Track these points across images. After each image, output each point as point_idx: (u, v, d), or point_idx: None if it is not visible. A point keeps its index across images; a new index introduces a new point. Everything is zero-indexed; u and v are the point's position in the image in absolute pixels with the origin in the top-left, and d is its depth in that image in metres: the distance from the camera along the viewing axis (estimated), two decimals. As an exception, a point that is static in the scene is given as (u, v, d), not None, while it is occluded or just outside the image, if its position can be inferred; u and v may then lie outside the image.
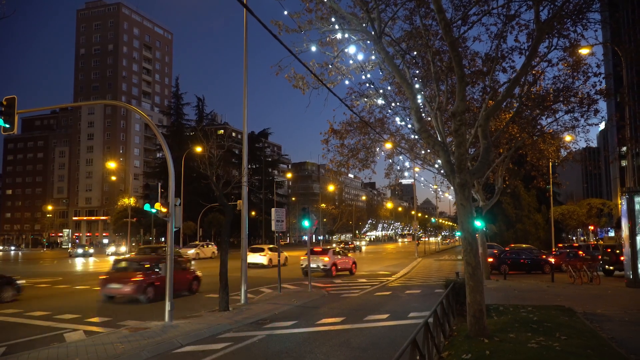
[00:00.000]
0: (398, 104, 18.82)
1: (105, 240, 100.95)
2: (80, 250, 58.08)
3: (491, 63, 13.81)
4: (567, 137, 23.23)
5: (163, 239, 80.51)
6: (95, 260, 49.33)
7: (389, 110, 19.48)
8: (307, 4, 12.03)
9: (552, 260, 29.42)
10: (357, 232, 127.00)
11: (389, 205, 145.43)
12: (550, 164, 29.98)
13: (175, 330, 11.47)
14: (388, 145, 22.31)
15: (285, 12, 11.89)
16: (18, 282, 18.27)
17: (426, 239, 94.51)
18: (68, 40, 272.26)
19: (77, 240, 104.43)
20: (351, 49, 13.27)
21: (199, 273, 20.51)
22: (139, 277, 17.03)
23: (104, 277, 17.89)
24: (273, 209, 18.80)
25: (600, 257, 28.96)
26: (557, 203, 53.69)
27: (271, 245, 39.00)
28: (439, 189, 54.20)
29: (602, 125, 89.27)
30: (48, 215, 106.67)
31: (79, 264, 43.60)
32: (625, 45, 15.72)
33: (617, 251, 26.52)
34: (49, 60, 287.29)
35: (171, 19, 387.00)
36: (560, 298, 16.70)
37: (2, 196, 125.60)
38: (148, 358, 9.52)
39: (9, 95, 13.30)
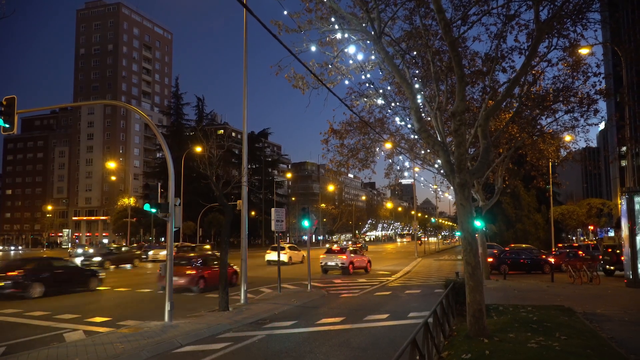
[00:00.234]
0: (398, 103, 18.83)
1: (105, 240, 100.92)
2: (80, 250, 57.93)
3: (491, 63, 13.81)
4: (567, 137, 23.24)
5: (163, 239, 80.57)
6: (95, 260, 49.26)
7: (389, 110, 19.49)
8: (307, 3, 12.04)
9: (552, 260, 29.42)
10: (356, 232, 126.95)
11: (389, 205, 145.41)
12: (550, 163, 29.98)
13: (175, 330, 11.47)
14: (388, 145, 22.31)
15: (285, 12, 11.91)
16: (100, 274, 21.72)
17: (425, 239, 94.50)
18: (68, 40, 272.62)
19: (77, 240, 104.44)
20: (351, 49, 13.29)
21: (237, 268, 22.21)
22: (192, 271, 19.71)
23: (158, 271, 20.90)
24: (273, 209, 18.80)
25: (600, 257, 28.97)
26: (557, 203, 53.72)
27: (290, 244, 43.67)
28: (439, 189, 54.17)
29: (601, 125, 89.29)
30: (48, 215, 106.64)
31: (78, 264, 43.52)
32: (625, 45, 15.73)
33: (618, 251, 26.52)
34: (49, 60, 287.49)
35: (171, 19, 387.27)
36: (560, 298, 16.71)
37: (2, 196, 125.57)
38: (148, 358, 9.52)
39: (8, 95, 13.30)
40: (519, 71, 11.66)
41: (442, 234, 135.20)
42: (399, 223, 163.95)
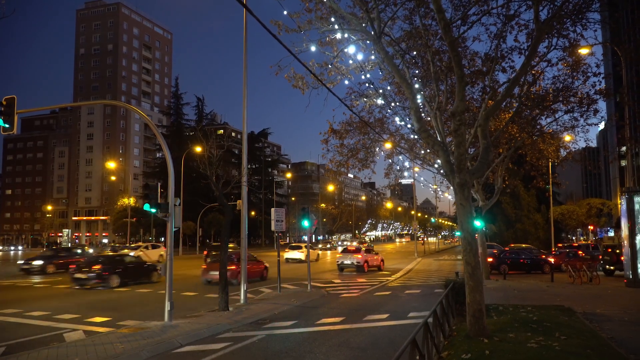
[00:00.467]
0: (397, 103, 18.82)
1: (105, 240, 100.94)
2: (79, 250, 58.01)
3: (491, 63, 13.81)
4: (567, 137, 23.25)
5: (163, 239, 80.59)
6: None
7: (389, 110, 19.49)
8: (306, 3, 12.03)
9: (552, 260, 29.42)
10: (356, 232, 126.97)
11: (389, 205, 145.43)
12: (550, 163, 29.99)
13: (174, 330, 11.47)
14: (388, 145, 22.30)
15: (285, 12, 11.91)
16: (159, 269, 24.52)
17: (424, 239, 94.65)
18: (68, 40, 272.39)
19: (76, 240, 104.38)
20: (351, 49, 13.29)
21: (267, 264, 25.97)
22: (232, 267, 21.59)
23: (204, 267, 23.72)
24: (273, 209, 18.80)
25: (600, 257, 28.98)
26: (556, 203, 53.74)
27: (305, 244, 43.79)
28: (439, 189, 54.18)
29: (601, 125, 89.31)
30: (48, 215, 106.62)
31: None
32: (625, 45, 15.74)
33: (617, 251, 26.53)
34: (49, 60, 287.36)
35: (171, 19, 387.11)
36: (560, 298, 16.71)
37: (1, 196, 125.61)
38: (148, 358, 9.52)
39: (8, 95, 13.29)
40: (519, 71, 11.66)
41: (442, 233, 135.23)
42: (398, 223, 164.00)
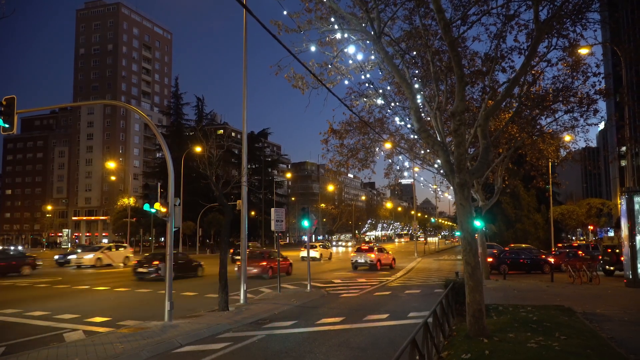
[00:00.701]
0: (397, 103, 18.83)
1: (105, 240, 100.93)
2: (79, 250, 57.99)
3: (490, 63, 13.81)
4: (567, 137, 23.25)
5: (162, 239, 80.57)
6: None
7: (389, 110, 19.49)
8: (306, 3, 12.04)
9: (552, 260, 29.43)
10: (356, 232, 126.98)
11: (389, 205, 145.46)
12: (550, 163, 29.99)
13: (174, 330, 11.46)
14: (387, 145, 22.31)
15: (285, 12, 11.92)
16: (202, 263, 27.95)
17: (426, 240, 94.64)
18: (68, 40, 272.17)
19: (76, 240, 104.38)
20: (350, 49, 13.29)
21: (291, 260, 29.45)
22: (264, 263, 25.86)
23: (239, 263, 24.24)
24: (272, 209, 18.80)
25: (600, 257, 28.98)
26: (556, 203, 53.74)
27: (320, 243, 52.59)
28: (439, 189, 54.24)
29: (601, 125, 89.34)
30: (48, 215, 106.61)
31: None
32: (625, 45, 15.74)
33: (617, 251, 26.53)
34: (49, 60, 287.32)
35: (171, 19, 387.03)
36: (560, 298, 16.71)
37: (1, 196, 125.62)
38: (147, 358, 9.51)
39: (8, 95, 13.29)
40: (519, 71, 11.67)
41: (442, 233, 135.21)
42: (398, 223, 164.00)
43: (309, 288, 19.92)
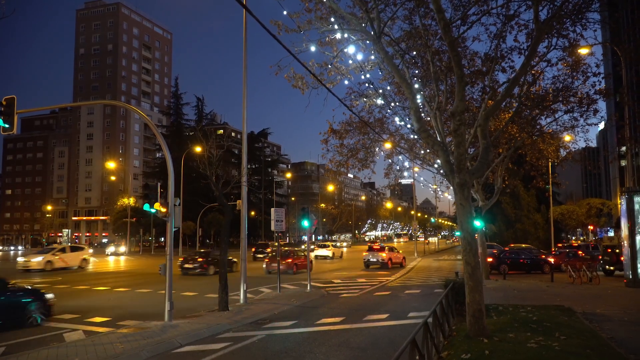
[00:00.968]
0: (397, 103, 18.82)
1: (105, 240, 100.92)
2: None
3: (490, 63, 13.81)
4: (567, 137, 23.25)
5: (162, 239, 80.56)
6: (95, 261, 49.30)
7: (389, 110, 19.49)
8: (306, 3, 12.03)
9: (552, 260, 29.42)
10: (356, 232, 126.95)
11: (389, 205, 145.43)
12: (550, 163, 29.99)
13: (174, 330, 11.47)
14: (387, 145, 22.30)
15: (285, 12, 11.92)
16: (236, 260, 29.34)
17: (425, 239, 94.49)
18: (68, 40, 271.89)
19: (76, 240, 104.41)
20: (350, 49, 13.29)
21: (312, 257, 32.24)
22: (290, 260, 29.16)
23: (267, 260, 30.70)
24: (272, 209, 18.80)
25: (600, 257, 28.98)
26: (556, 203, 53.73)
27: (333, 242, 60.22)
28: (439, 189, 54.34)
29: (601, 125, 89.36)
30: (47, 215, 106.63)
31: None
32: (625, 45, 15.75)
33: (617, 251, 26.53)
34: (49, 60, 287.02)
35: (171, 19, 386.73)
36: (560, 298, 16.71)
37: (1, 196, 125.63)
38: (147, 358, 9.52)
39: (8, 95, 13.29)
40: (519, 71, 11.67)
41: (442, 233, 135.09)
42: (398, 223, 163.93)
43: (309, 288, 19.92)
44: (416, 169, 36.51)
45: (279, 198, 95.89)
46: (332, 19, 12.08)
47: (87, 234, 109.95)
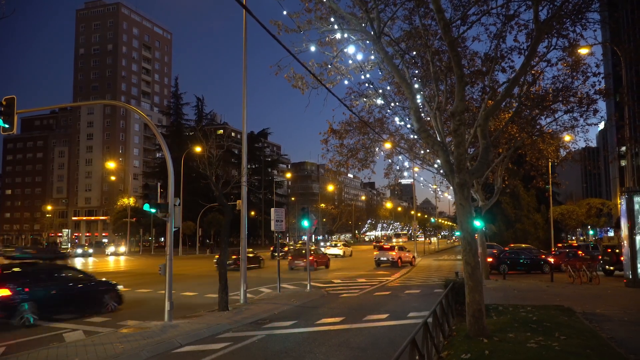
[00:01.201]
0: (397, 103, 18.82)
1: (105, 240, 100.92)
2: (79, 250, 58.04)
3: (490, 63, 13.81)
4: (567, 137, 23.25)
5: (162, 239, 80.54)
6: (95, 260, 49.32)
7: (388, 110, 19.49)
8: (306, 3, 12.03)
9: (552, 260, 29.42)
10: (356, 231, 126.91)
11: (389, 205, 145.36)
12: (550, 163, 29.98)
13: (174, 330, 11.47)
14: (387, 145, 22.30)
15: (285, 12, 11.92)
16: (262, 258, 35.84)
17: (427, 239, 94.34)
18: (68, 40, 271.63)
19: (76, 240, 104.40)
20: (350, 49, 13.29)
21: (329, 256, 38.50)
22: (311, 257, 28.06)
23: (290, 257, 34.07)
24: (272, 209, 18.80)
25: (600, 257, 28.98)
26: (556, 203, 53.72)
27: (343, 242, 65.55)
28: (439, 189, 54.47)
29: (601, 125, 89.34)
30: (47, 215, 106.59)
31: (78, 264, 43.56)
32: (625, 45, 15.75)
33: (617, 251, 26.52)
34: (49, 60, 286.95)
35: (171, 19, 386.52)
36: (560, 298, 16.71)
37: (1, 196, 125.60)
38: (147, 358, 9.52)
39: (8, 95, 13.29)
40: (519, 71, 11.67)
41: (442, 233, 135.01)
42: (398, 223, 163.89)
43: (308, 288, 19.92)
44: (416, 169, 36.59)
45: (279, 198, 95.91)
46: (332, 19, 12.08)
47: (87, 234, 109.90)
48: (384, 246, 40.23)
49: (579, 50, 16.45)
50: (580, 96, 18.30)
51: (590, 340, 9.63)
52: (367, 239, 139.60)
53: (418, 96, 13.65)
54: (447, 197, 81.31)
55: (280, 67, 12.62)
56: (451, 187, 11.58)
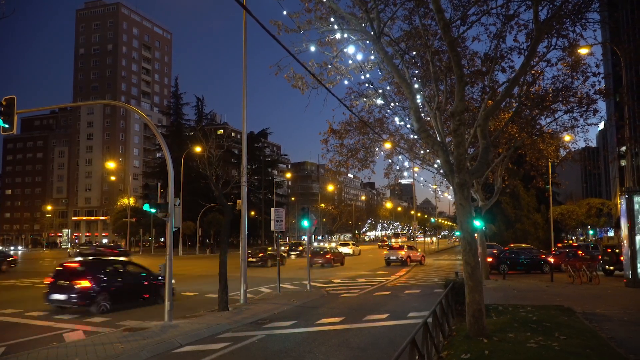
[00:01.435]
0: (397, 103, 18.82)
1: (105, 240, 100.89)
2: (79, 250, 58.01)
3: (490, 63, 13.82)
4: (567, 137, 23.26)
5: (162, 239, 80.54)
6: (95, 260, 49.23)
7: (388, 110, 19.49)
8: (306, 3, 12.04)
9: (552, 260, 29.42)
10: (356, 231, 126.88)
11: (389, 205, 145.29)
12: (550, 163, 29.99)
13: (174, 330, 11.47)
14: (387, 145, 22.30)
15: (285, 12, 11.92)
16: (285, 256, 38.75)
17: (430, 239, 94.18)
18: (68, 40, 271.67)
19: (76, 240, 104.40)
20: (350, 49, 13.29)
21: (344, 254, 42.70)
22: (328, 255, 36.99)
23: (310, 255, 31.17)
24: (272, 209, 18.79)
25: (600, 257, 28.97)
26: (556, 203, 53.73)
27: (352, 242, 71.59)
28: (439, 189, 54.60)
29: (601, 125, 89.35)
30: (47, 215, 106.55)
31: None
32: (625, 45, 15.77)
33: (617, 251, 26.52)
34: (49, 60, 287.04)
35: (171, 19, 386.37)
36: (560, 298, 16.72)
37: (1, 196, 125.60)
38: (147, 358, 9.52)
39: (8, 95, 13.29)
40: (519, 71, 11.67)
41: (442, 233, 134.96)
42: (398, 223, 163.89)
43: (308, 288, 19.91)
44: (416, 169, 36.72)
45: (279, 198, 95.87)
46: (332, 19, 12.08)
47: (87, 234, 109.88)
48: (394, 245, 43.25)
49: (579, 50, 16.46)
50: (580, 96, 18.31)
51: (590, 340, 9.63)
52: (367, 239, 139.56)
53: (418, 96, 13.65)
54: (447, 197, 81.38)
55: (280, 67, 12.63)
56: (451, 187, 11.58)
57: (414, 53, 14.29)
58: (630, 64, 21.37)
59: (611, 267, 27.10)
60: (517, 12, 12.16)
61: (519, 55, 13.67)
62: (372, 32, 10.82)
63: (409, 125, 18.98)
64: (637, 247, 20.62)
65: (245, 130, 17.10)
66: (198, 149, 35.34)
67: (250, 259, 33.44)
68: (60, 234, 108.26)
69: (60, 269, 15.49)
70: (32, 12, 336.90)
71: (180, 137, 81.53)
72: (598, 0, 12.49)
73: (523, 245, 38.71)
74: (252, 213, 75.74)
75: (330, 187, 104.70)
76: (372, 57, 13.77)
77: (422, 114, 14.31)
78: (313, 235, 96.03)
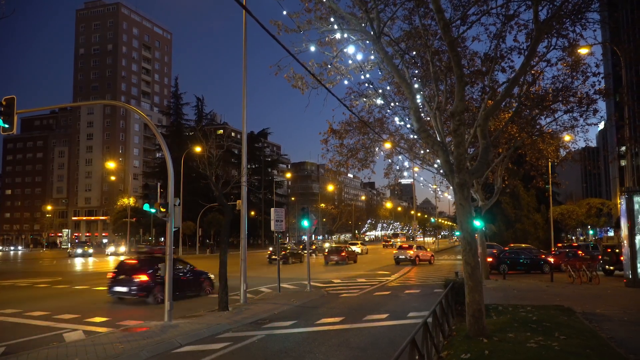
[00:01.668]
0: (397, 103, 18.81)
1: (105, 240, 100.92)
2: (79, 250, 58.07)
3: (490, 63, 13.82)
4: (567, 137, 23.24)
5: (162, 239, 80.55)
6: (95, 260, 49.31)
7: (388, 110, 19.48)
8: (306, 3, 12.03)
9: (552, 260, 29.41)
10: (356, 231, 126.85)
11: (389, 205, 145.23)
12: (550, 163, 29.97)
13: (174, 330, 11.47)
14: (387, 145, 22.28)
15: (285, 12, 11.92)
16: (303, 253, 39.51)
17: (423, 240, 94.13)
18: (68, 40, 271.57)
19: (76, 240, 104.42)
20: (350, 49, 13.29)
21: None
22: (343, 254, 39.52)
23: (326, 253, 40.80)
24: (272, 209, 18.79)
25: (600, 257, 28.97)
26: (556, 203, 53.72)
27: (361, 241, 75.25)
28: (439, 189, 54.68)
29: (601, 125, 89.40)
30: (47, 215, 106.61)
31: (78, 264, 43.60)
32: (625, 45, 15.77)
33: (617, 251, 26.51)
34: (49, 60, 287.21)
35: (171, 19, 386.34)
36: (560, 298, 16.71)
37: (1, 196, 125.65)
38: (147, 358, 9.52)
39: (8, 95, 13.29)
40: (518, 71, 11.67)
41: (442, 233, 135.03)
42: (398, 223, 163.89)
43: (308, 288, 19.90)
44: (416, 169, 36.76)
45: (279, 198, 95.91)
46: (332, 19, 12.08)
47: (87, 234, 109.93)
48: (403, 245, 45.14)
49: (579, 50, 16.46)
50: (580, 96, 18.29)
51: (590, 340, 9.63)
52: (367, 239, 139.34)
53: (418, 96, 13.65)
54: (447, 197, 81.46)
55: (280, 67, 12.63)
56: (451, 187, 11.58)
57: (414, 53, 14.29)
58: (630, 64, 21.37)
59: (611, 267, 27.09)
60: (517, 12, 12.16)
61: (519, 55, 13.68)
62: (372, 32, 10.82)
63: (409, 125, 18.98)
64: (637, 247, 20.62)
65: (245, 130, 17.10)
66: (198, 149, 35.32)
67: (273, 257, 37.91)
68: (60, 234, 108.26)
69: (121, 265, 17.85)
70: (32, 12, 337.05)
71: (180, 137, 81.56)
72: (598, 0, 12.49)
73: (523, 245, 38.70)
74: (252, 213, 75.79)
75: (330, 187, 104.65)
76: (372, 57, 13.77)
77: (422, 114, 14.31)
78: (313, 235, 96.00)
